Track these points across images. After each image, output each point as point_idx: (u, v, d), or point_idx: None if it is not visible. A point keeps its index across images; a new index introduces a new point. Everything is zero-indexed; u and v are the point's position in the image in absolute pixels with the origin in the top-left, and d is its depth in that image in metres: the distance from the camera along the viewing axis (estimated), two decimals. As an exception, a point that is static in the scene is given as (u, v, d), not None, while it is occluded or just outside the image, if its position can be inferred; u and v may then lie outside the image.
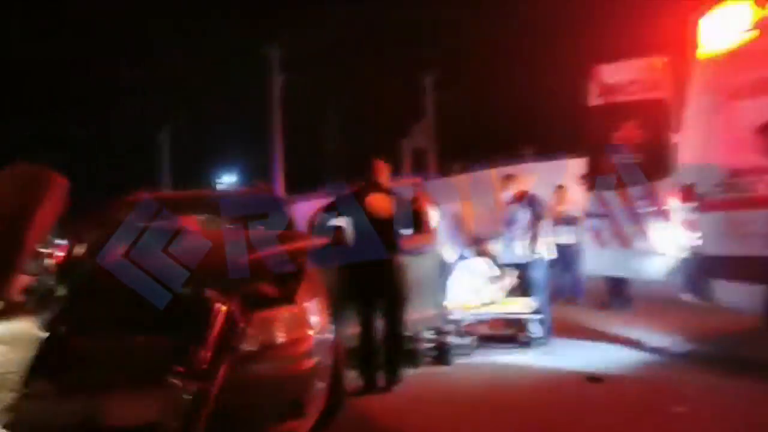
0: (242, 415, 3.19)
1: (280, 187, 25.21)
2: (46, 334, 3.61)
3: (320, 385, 3.55)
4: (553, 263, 8.74)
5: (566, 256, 8.52)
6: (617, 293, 7.99)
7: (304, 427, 3.41)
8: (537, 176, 13.58)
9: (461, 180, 20.13)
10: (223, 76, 29.74)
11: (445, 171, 23.86)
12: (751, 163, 4.59)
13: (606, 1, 16.60)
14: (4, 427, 3.14)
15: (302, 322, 3.59)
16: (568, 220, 8.31)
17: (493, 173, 14.91)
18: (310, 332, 3.61)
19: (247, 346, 3.31)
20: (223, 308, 3.30)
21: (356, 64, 27.23)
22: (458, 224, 7.99)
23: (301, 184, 25.77)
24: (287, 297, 3.63)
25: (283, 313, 3.54)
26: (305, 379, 3.44)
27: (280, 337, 3.45)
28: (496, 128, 24.45)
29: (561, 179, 9.05)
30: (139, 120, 31.43)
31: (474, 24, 26.08)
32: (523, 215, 6.32)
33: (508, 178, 6.66)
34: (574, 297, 8.74)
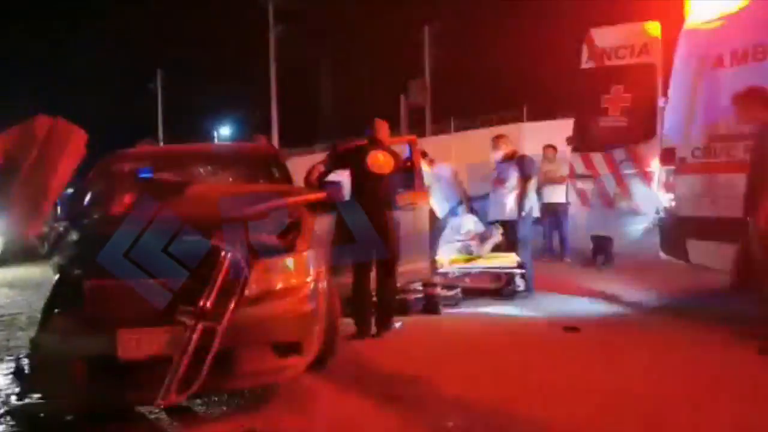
0: (245, 352, 3.48)
1: (275, 141, 25.31)
2: (60, 276, 3.88)
3: (316, 328, 3.85)
4: (541, 221, 9.10)
5: (555, 215, 8.83)
6: (601, 251, 8.33)
7: (301, 365, 3.69)
8: (529, 136, 13.84)
9: (457, 138, 20.34)
10: (218, 26, 29.35)
11: (441, 129, 23.99)
12: (728, 129, 4.81)
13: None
14: (26, 357, 3.43)
15: (300, 269, 3.85)
16: (557, 180, 8.55)
17: (487, 132, 15.12)
18: (308, 279, 3.87)
19: (250, 290, 3.58)
20: (229, 255, 3.56)
21: (353, 17, 26.90)
22: (452, 181, 8.19)
23: (296, 138, 25.87)
24: (287, 246, 3.88)
25: (283, 260, 3.80)
26: (303, 321, 3.72)
27: (280, 283, 3.72)
28: (493, 86, 24.39)
29: (554, 139, 9.24)
30: (132, 65, 31.13)
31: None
32: (512, 174, 6.55)
33: (499, 138, 6.85)
34: (562, 254, 9.08)
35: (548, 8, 21.37)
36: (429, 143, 19.57)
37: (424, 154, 7.13)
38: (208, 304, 3.40)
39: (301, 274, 3.86)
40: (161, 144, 15.76)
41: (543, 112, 17.73)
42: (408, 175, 5.66)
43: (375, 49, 26.74)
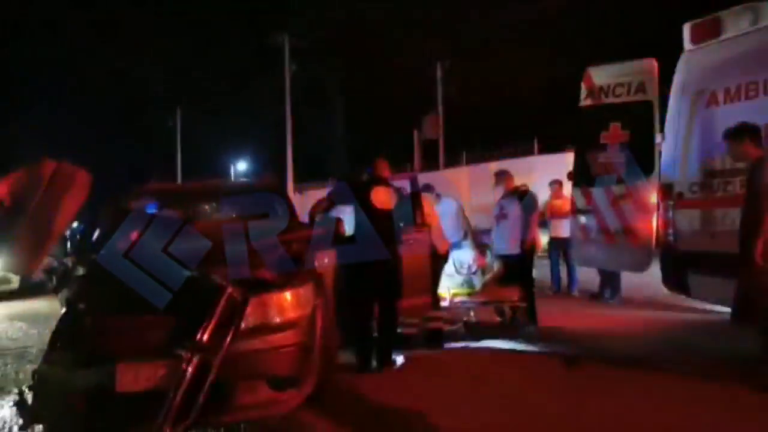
0: (241, 385, 3.55)
1: (289, 175, 25.68)
2: (66, 310, 4.01)
3: (313, 362, 3.91)
4: (548, 255, 9.13)
5: (561, 249, 8.84)
6: (608, 285, 8.31)
7: (297, 398, 3.75)
8: (541, 169, 13.88)
9: (468, 170, 20.50)
10: (234, 66, 30.14)
11: (454, 162, 24.21)
12: (724, 165, 4.87)
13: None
14: (29, 388, 3.54)
15: (297, 303, 3.93)
16: (563, 214, 8.58)
17: (498, 165, 15.22)
18: (305, 313, 3.96)
19: (246, 323, 3.67)
20: (226, 290, 3.66)
21: (367, 54, 27.45)
22: (457, 216, 8.20)
23: (311, 173, 26.23)
24: (284, 281, 3.97)
25: (279, 295, 3.89)
26: (299, 355, 3.79)
27: (276, 317, 3.81)
28: (504, 120, 24.62)
29: (563, 172, 9.29)
30: (151, 104, 31.97)
31: (486, 14, 26.19)
32: (514, 209, 6.64)
33: (501, 174, 6.95)
34: (569, 287, 9.06)
35: (559, 43, 21.72)
36: (441, 176, 19.77)
37: (430, 188, 7.22)
38: (205, 337, 3.50)
39: (299, 308, 3.94)
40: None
41: (554, 145, 17.84)
42: (409, 210, 5.76)
43: (389, 84, 27.22)
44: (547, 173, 10.60)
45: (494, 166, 14.59)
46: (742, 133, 4.43)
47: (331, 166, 29.32)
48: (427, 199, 6.41)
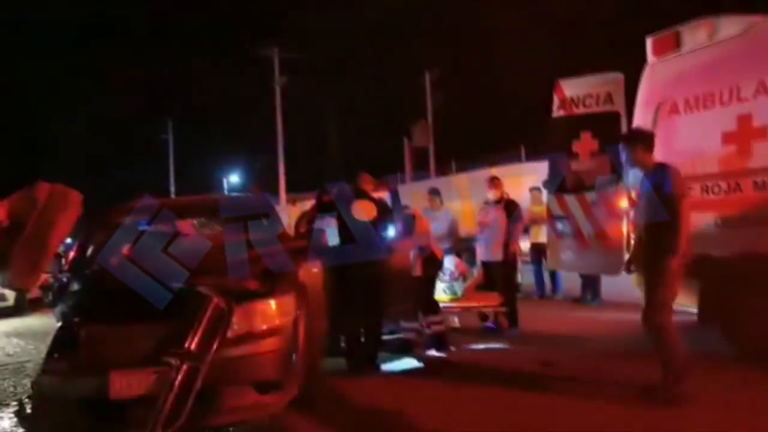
0: (227, 390, 3.76)
1: (281, 186, 25.90)
2: (61, 323, 4.23)
3: (297, 367, 4.13)
4: (531, 261, 9.38)
5: (542, 254, 9.09)
6: (589, 288, 8.57)
7: (282, 401, 3.96)
8: (528, 175, 14.13)
9: (458, 179, 20.75)
10: (226, 78, 30.40)
11: (444, 169, 24.49)
12: (685, 170, 5.11)
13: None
14: (28, 398, 3.75)
15: (280, 312, 4.16)
16: (542, 220, 8.83)
17: (486, 172, 15.47)
18: (288, 321, 4.19)
19: (232, 331, 3.89)
20: (212, 300, 3.89)
21: (357, 64, 27.81)
22: (449, 228, 8.34)
23: (303, 184, 26.42)
24: (268, 291, 4.20)
25: (264, 304, 4.11)
26: (282, 360, 4.02)
27: (261, 325, 4.03)
28: (492, 127, 24.97)
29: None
30: (144, 120, 32.21)
31: (473, 24, 26.58)
32: (498, 217, 6.88)
33: (494, 180, 7.17)
34: (553, 292, 9.32)
35: (544, 52, 22.08)
36: (431, 184, 19.97)
37: (436, 192, 7.40)
38: (193, 345, 3.73)
39: (282, 317, 4.16)
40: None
41: (540, 152, 18.09)
42: (390, 221, 6.00)
43: (379, 94, 27.57)
44: (535, 179, 10.85)
45: (485, 173, 14.85)
46: (635, 139, 4.49)
47: (324, 177, 29.54)
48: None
